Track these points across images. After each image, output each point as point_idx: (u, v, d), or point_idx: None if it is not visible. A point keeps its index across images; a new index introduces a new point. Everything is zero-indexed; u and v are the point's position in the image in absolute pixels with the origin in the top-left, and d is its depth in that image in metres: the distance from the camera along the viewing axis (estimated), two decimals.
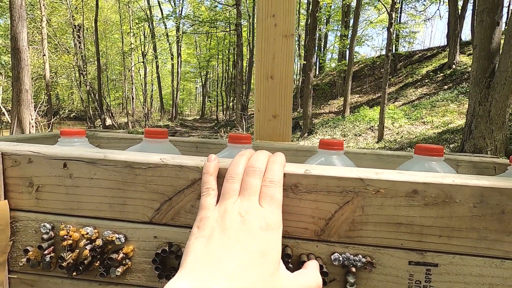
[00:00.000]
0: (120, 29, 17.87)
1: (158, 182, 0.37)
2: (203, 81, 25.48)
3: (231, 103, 18.48)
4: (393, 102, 10.64)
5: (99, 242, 0.38)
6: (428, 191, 0.33)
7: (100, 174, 0.37)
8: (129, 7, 17.45)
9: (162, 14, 17.62)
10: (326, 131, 9.63)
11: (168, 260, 0.38)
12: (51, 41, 13.47)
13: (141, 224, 0.38)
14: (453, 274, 0.34)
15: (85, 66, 13.95)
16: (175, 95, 19.30)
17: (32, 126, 5.25)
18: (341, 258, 0.35)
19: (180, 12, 19.33)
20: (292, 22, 0.64)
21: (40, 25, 10.11)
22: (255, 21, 0.66)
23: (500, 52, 4.77)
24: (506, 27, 4.89)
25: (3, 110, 6.93)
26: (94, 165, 0.37)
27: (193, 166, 0.36)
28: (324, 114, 12.49)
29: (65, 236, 0.38)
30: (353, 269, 0.34)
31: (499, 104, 4.80)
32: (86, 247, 0.37)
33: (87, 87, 13.57)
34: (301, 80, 14.96)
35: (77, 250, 0.38)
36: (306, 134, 9.73)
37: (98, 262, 0.38)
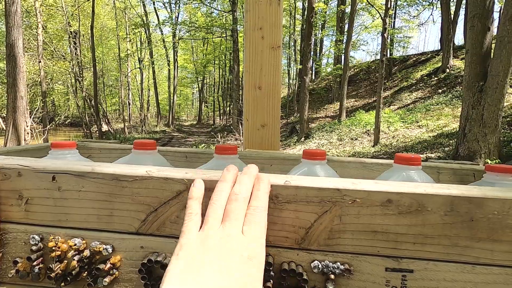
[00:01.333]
0: (117, 35, 17.92)
1: (144, 194, 0.38)
2: (200, 87, 25.55)
3: (228, 108, 18.54)
4: (389, 106, 10.74)
5: (86, 253, 0.39)
6: (401, 200, 0.34)
7: (88, 187, 0.39)
8: (125, 13, 17.54)
9: (158, 20, 17.72)
10: (323, 135, 9.68)
11: (155, 270, 0.39)
12: (47, 47, 13.47)
13: (128, 234, 0.39)
14: (428, 279, 0.35)
15: (81, 72, 13.95)
16: (171, 101, 19.32)
17: (28, 133, 5.22)
18: (320, 266, 0.36)
19: (176, 18, 19.45)
20: (279, 35, 0.66)
21: (36, 32, 10.12)
22: (244, 34, 0.68)
23: (492, 57, 4.85)
24: (497, 32, 4.98)
25: None
26: (82, 178, 0.38)
27: (178, 178, 0.37)
28: (320, 119, 12.56)
29: (53, 248, 0.39)
30: (332, 276, 0.36)
31: (492, 108, 4.86)
32: (74, 258, 0.38)
33: (83, 93, 13.55)
34: (297, 85, 15.06)
35: (65, 261, 0.39)
36: (303, 138, 9.77)
37: (86, 272, 0.39)
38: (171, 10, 19.85)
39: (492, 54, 4.87)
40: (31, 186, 0.39)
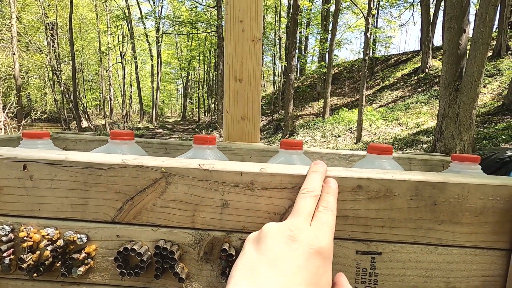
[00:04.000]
0: (97, 28, 17.31)
1: (120, 182, 0.38)
2: (184, 83, 25.17)
3: (213, 104, 18.39)
4: (371, 104, 11.00)
5: (60, 242, 0.38)
6: (371, 186, 0.36)
7: (62, 176, 0.38)
8: (106, 5, 16.95)
9: (141, 13, 17.26)
10: (307, 132, 9.80)
11: (131, 258, 0.39)
12: (21, 39, 12.82)
13: (103, 223, 0.39)
14: (395, 261, 0.37)
15: (59, 66, 13.39)
16: (155, 97, 18.92)
17: (0, 129, 4.97)
18: None
19: (160, 12, 19.01)
20: (259, 28, 0.67)
21: (10, 22, 9.62)
22: (224, 26, 0.68)
23: (467, 57, 5.07)
24: (472, 34, 5.20)
25: None
26: (55, 166, 0.38)
27: (154, 166, 0.37)
28: (305, 116, 12.70)
29: (25, 238, 0.38)
30: None
31: (466, 107, 5.09)
32: (47, 248, 0.38)
33: (62, 87, 13.03)
34: (282, 82, 15.14)
35: (38, 252, 0.38)
36: (288, 135, 9.85)
37: (60, 262, 0.38)
38: (154, 3, 19.39)
39: (467, 55, 5.09)
40: (0, 176, 0.38)
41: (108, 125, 14.73)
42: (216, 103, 14.41)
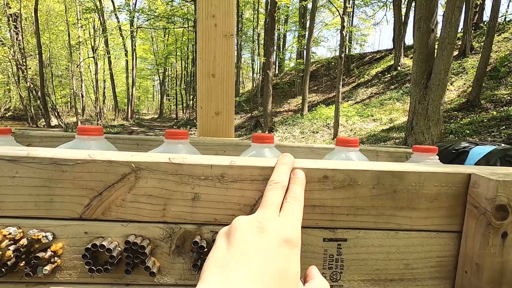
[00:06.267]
0: (66, 20, 16.40)
1: (87, 178, 0.37)
2: (161, 79, 24.53)
3: (191, 101, 18.10)
4: (347, 101, 11.32)
5: (24, 241, 0.37)
6: (336, 176, 0.38)
7: (23, 172, 0.36)
8: None
9: (113, 5, 16.56)
10: (286, 129, 9.92)
11: (100, 255, 0.38)
12: None
13: (70, 220, 0.38)
14: (359, 246, 0.40)
15: (24, 60, 12.57)
16: (130, 93, 18.30)
17: None
18: None
19: (134, 5, 18.34)
20: (232, 23, 0.67)
21: None
22: (196, 21, 0.67)
23: (435, 56, 5.34)
24: (440, 34, 5.48)
25: None
26: (16, 163, 0.36)
27: (122, 161, 0.37)
28: (284, 112, 12.83)
29: None
30: None
31: (435, 103, 5.37)
32: (9, 247, 0.36)
33: (28, 83, 12.26)
34: (261, 79, 15.18)
35: None
36: (267, 131, 9.91)
37: (24, 262, 0.37)
38: None
39: (435, 53, 5.36)
40: None
41: (80, 122, 14.08)
42: (194, 99, 14.19)
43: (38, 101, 12.39)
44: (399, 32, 11.71)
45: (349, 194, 0.38)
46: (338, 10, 10.26)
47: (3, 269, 0.36)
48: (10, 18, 12.42)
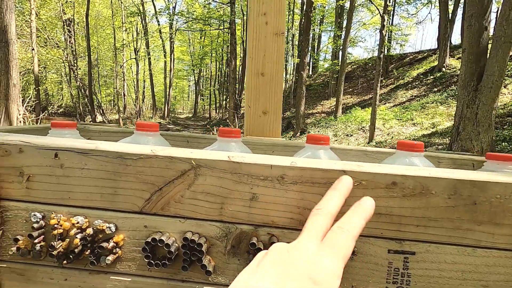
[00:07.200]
0: (112, 24, 17.59)
1: (149, 173, 0.37)
2: (196, 79, 25.33)
3: (224, 101, 18.45)
4: (384, 104, 10.79)
5: (89, 231, 0.38)
6: (406, 183, 0.35)
7: (91, 165, 0.38)
8: (121, 2, 17.21)
9: (155, 9, 17.43)
10: (318, 131, 9.70)
11: (158, 249, 0.39)
12: (40, 35, 13.18)
13: (131, 213, 0.39)
14: (429, 261, 0.36)
15: (75, 61, 13.71)
16: (167, 93, 19.13)
17: (20, 122, 5.14)
18: None
19: (173, 9, 19.15)
20: (282, 21, 0.66)
21: (29, 18, 9.88)
22: (247, 19, 0.67)
23: (488, 56, 4.89)
24: (493, 32, 5.02)
25: None
26: (85, 155, 0.38)
27: (183, 157, 0.37)
28: (316, 114, 12.58)
29: (55, 225, 0.38)
30: None
31: (486, 107, 4.92)
32: (76, 236, 0.38)
33: (78, 82, 13.34)
34: (294, 80, 15.03)
35: (68, 239, 0.39)
36: (299, 133, 9.79)
37: (89, 251, 0.39)
38: (168, 0, 19.52)
39: (488, 53, 4.91)
40: (32, 163, 0.39)
41: (121, 120, 15.00)
42: (228, 100, 14.45)
43: (86, 99, 13.42)
44: (445, 31, 10.92)
45: (420, 203, 0.35)
46: (378, 9, 9.83)
47: (70, 256, 0.38)
48: (65, 23, 13.60)
